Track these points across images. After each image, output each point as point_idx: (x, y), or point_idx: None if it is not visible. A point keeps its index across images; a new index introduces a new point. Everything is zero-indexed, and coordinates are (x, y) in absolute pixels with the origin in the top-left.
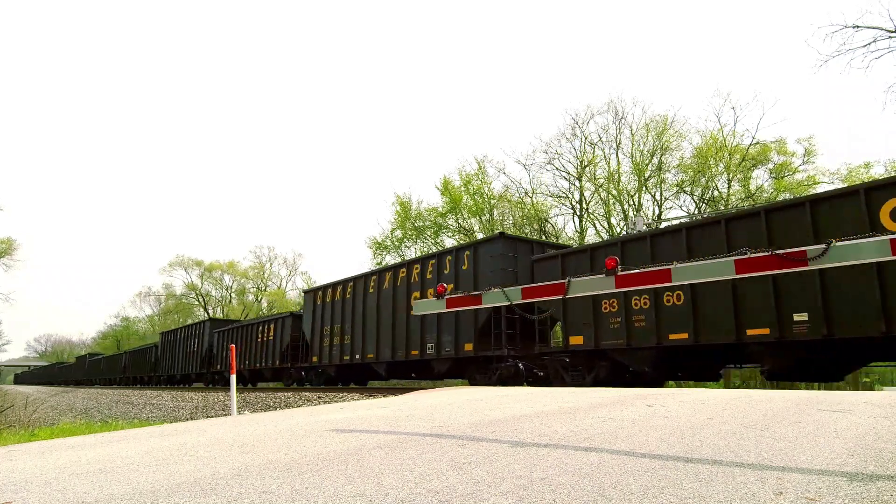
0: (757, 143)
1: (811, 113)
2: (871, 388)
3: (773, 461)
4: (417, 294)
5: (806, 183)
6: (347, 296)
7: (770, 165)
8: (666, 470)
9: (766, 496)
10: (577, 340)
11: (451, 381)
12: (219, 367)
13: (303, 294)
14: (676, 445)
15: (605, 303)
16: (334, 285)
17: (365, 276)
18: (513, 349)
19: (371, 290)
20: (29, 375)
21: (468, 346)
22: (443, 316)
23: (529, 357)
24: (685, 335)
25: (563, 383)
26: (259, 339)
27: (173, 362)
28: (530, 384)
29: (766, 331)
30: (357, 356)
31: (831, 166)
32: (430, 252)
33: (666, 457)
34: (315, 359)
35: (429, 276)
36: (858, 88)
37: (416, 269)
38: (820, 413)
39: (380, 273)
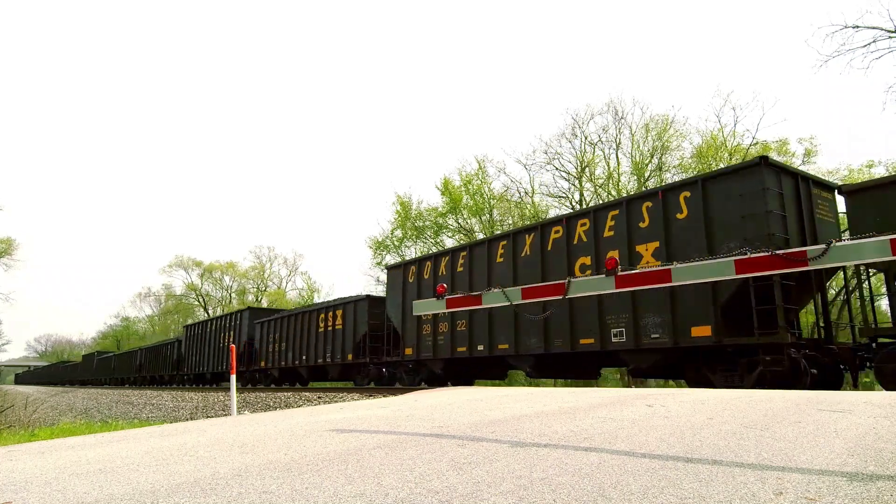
0: (757, 143)
1: (811, 113)
2: (871, 388)
3: (773, 461)
4: (587, 259)
5: None
6: (459, 269)
7: None
8: (666, 470)
9: (766, 496)
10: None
11: None
12: (263, 363)
13: (386, 271)
14: (676, 445)
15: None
16: (436, 257)
17: (489, 241)
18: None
19: (500, 259)
20: (30, 375)
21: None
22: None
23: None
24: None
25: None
26: (320, 329)
27: (201, 358)
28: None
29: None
30: (480, 347)
31: (831, 166)
32: (609, 201)
33: (666, 457)
34: (409, 350)
35: (608, 234)
36: (859, 89)
37: (583, 225)
38: (820, 413)
39: (514, 235)
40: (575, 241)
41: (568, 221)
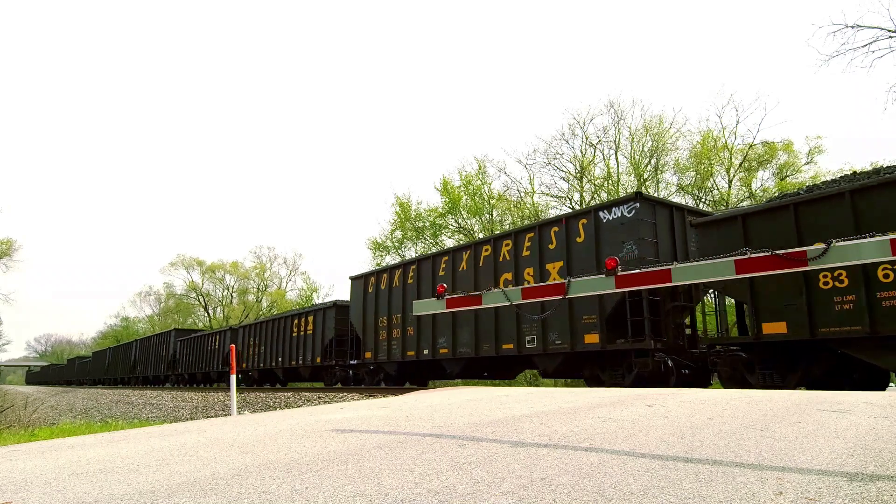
0: (762, 143)
1: (812, 114)
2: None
3: (773, 461)
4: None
5: (811, 183)
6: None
7: (773, 167)
8: (666, 470)
9: (766, 496)
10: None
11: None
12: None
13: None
14: (676, 445)
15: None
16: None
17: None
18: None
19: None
20: (41, 375)
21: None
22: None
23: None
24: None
25: None
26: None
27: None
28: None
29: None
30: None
31: (833, 167)
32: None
33: (666, 457)
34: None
35: (525, 254)
36: (860, 89)
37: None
38: (820, 413)
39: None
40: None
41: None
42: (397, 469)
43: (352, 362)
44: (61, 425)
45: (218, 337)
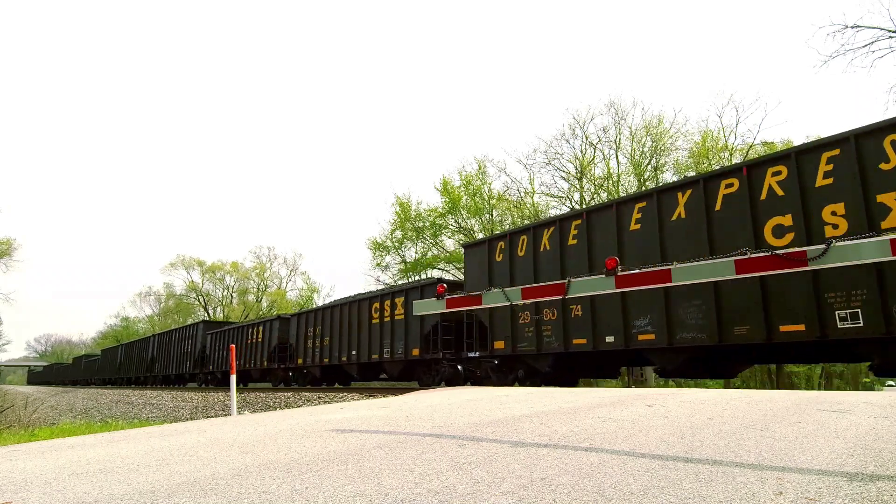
0: (762, 143)
1: (813, 114)
2: (870, 388)
3: (773, 461)
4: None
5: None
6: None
7: None
8: (666, 470)
9: (766, 496)
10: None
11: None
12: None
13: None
14: (676, 445)
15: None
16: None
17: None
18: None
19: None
20: (43, 374)
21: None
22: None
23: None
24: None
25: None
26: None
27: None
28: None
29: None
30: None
31: None
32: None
33: (666, 457)
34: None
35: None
36: (860, 90)
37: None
38: (820, 413)
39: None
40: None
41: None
42: (397, 469)
43: (470, 355)
44: (61, 425)
45: (262, 329)
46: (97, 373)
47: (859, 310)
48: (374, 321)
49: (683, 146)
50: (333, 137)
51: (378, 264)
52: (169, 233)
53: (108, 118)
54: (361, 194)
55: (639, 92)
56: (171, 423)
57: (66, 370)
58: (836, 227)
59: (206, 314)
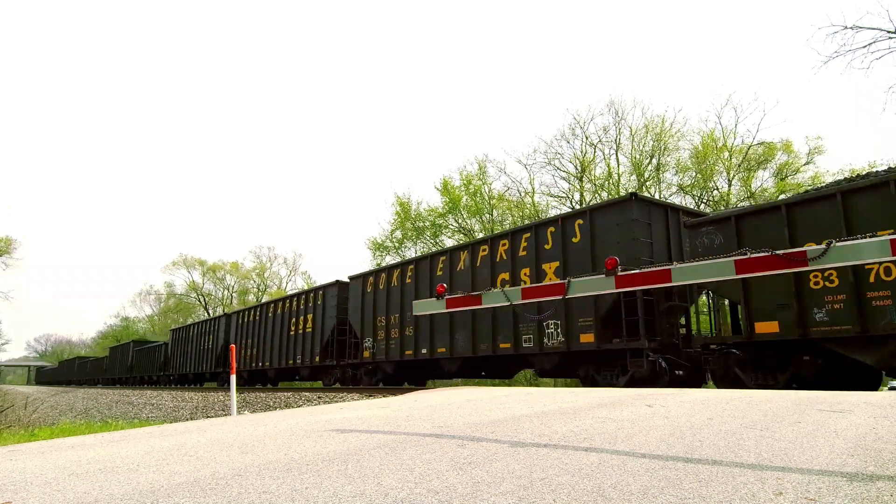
0: (761, 143)
1: (812, 114)
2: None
3: (773, 461)
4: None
5: (810, 183)
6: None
7: (773, 167)
8: (666, 470)
9: (766, 496)
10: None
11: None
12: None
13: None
14: (676, 445)
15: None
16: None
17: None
18: None
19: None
20: (50, 374)
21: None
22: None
23: None
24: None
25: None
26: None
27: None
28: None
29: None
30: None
31: (832, 167)
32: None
33: (666, 457)
34: (367, 354)
35: (522, 254)
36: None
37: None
38: (820, 413)
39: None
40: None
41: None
42: (397, 469)
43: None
44: (61, 425)
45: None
46: (105, 373)
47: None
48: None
49: (685, 146)
50: (333, 137)
51: (378, 264)
52: (169, 233)
53: (109, 118)
54: (361, 194)
55: (639, 92)
56: (171, 423)
57: (71, 369)
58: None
59: (206, 314)
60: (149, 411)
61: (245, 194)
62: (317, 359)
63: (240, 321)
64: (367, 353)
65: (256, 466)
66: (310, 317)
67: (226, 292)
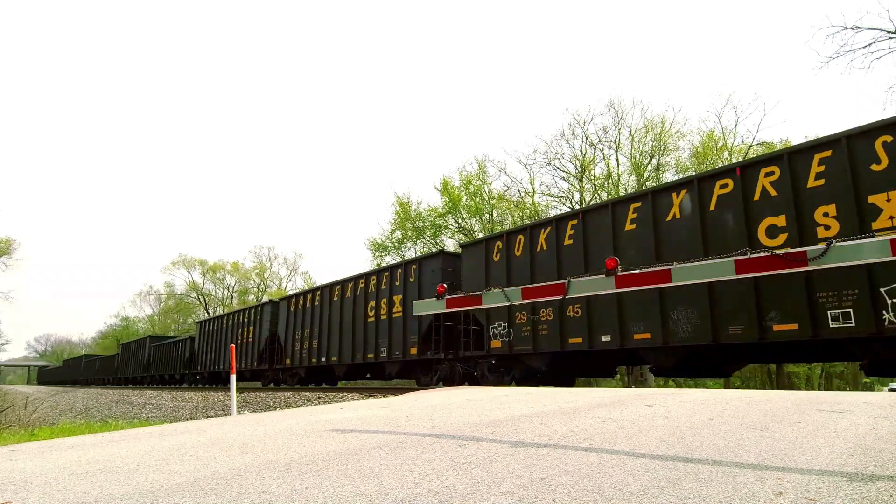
0: (761, 143)
1: (812, 114)
2: (870, 389)
3: (773, 461)
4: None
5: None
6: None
7: None
8: (666, 470)
9: (766, 496)
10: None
11: (401, 381)
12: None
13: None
14: (676, 446)
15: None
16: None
17: (330, 286)
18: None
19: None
20: (53, 373)
21: (413, 350)
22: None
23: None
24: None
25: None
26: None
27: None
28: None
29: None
30: (323, 359)
31: None
32: (385, 265)
33: (666, 457)
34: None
35: (383, 287)
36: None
37: (373, 280)
38: (820, 413)
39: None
40: (370, 290)
41: (367, 277)
42: (397, 469)
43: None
44: (61, 425)
45: (387, 278)
46: (117, 372)
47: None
48: None
49: (684, 146)
50: (334, 137)
51: (378, 264)
52: (169, 233)
53: (109, 118)
54: (361, 194)
55: (639, 92)
56: (171, 422)
57: (77, 368)
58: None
59: (206, 314)
60: (149, 411)
61: (245, 194)
62: (412, 350)
63: (291, 308)
64: (495, 343)
65: (256, 466)
66: (398, 298)
67: (226, 292)
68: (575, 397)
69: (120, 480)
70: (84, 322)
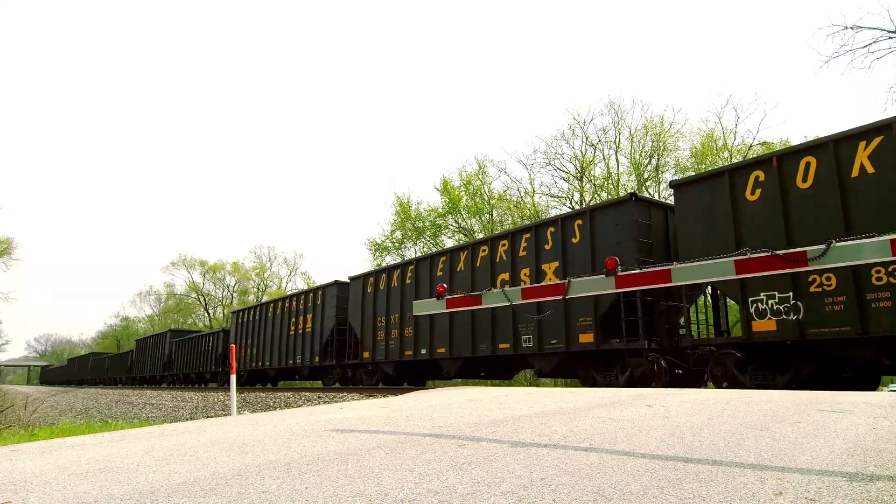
0: (761, 143)
1: (813, 114)
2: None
3: (773, 461)
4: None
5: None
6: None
7: None
8: (666, 470)
9: (766, 496)
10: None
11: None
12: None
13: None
14: (676, 446)
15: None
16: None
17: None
18: None
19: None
20: (56, 373)
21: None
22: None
23: None
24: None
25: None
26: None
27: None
28: None
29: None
30: (423, 350)
31: None
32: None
33: (666, 457)
34: (367, 354)
35: (522, 254)
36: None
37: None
38: (820, 413)
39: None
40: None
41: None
42: (397, 469)
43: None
44: (61, 425)
45: (303, 300)
46: (131, 370)
47: None
48: None
49: (684, 146)
50: (333, 137)
51: (378, 264)
52: (169, 233)
53: (109, 118)
54: (361, 194)
55: (638, 92)
56: (170, 422)
57: (82, 367)
58: None
59: (206, 314)
60: (149, 411)
61: (245, 194)
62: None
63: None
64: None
65: (256, 466)
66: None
67: (226, 292)
68: (575, 397)
69: (120, 480)
70: (84, 322)
